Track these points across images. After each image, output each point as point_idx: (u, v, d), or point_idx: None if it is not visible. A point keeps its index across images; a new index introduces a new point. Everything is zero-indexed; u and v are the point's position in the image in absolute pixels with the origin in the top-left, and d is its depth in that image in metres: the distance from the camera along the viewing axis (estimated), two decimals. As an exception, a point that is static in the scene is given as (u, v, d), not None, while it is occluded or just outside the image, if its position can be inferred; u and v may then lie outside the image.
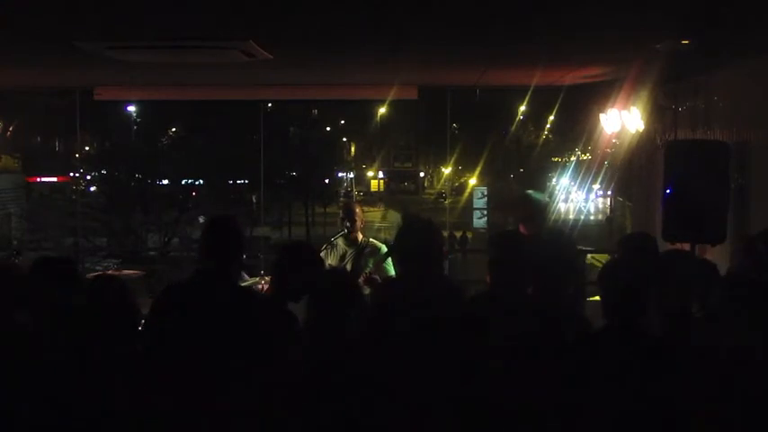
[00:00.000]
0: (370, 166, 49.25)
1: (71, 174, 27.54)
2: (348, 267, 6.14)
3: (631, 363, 3.06)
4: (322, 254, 6.27)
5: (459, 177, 40.93)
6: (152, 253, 23.22)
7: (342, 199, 35.90)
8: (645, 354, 3.11)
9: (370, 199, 47.73)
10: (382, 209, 43.03)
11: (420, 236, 3.95)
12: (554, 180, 36.80)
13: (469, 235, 29.52)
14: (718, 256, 5.88)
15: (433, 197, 45.92)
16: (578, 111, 14.27)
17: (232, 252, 3.76)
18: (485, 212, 24.65)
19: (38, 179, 30.77)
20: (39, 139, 33.01)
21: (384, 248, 6.12)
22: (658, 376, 3.04)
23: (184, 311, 3.60)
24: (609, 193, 27.37)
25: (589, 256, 9.31)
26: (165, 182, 28.17)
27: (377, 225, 32.97)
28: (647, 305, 3.24)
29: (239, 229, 3.88)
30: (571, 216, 31.99)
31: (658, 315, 3.37)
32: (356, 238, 6.29)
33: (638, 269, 3.39)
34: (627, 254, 4.35)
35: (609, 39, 5.45)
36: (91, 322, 3.24)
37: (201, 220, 24.53)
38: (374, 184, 51.76)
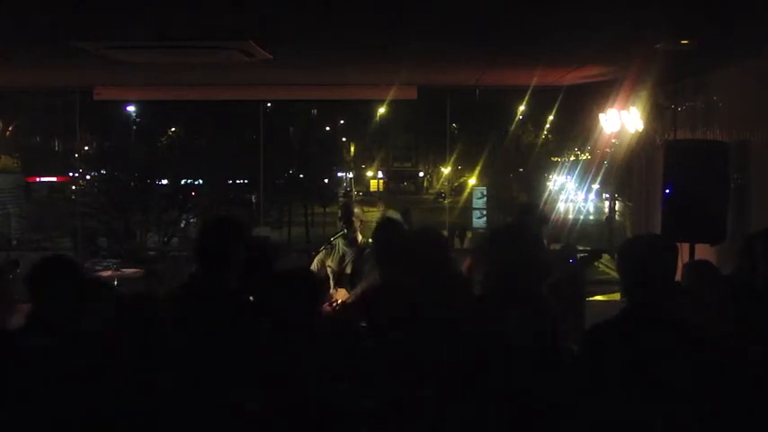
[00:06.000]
0: (369, 166, 49.19)
1: (71, 174, 27.51)
2: (348, 270, 5.99)
3: (648, 349, 2.81)
4: (320, 254, 6.21)
5: (459, 177, 40.87)
6: (152, 253, 23.20)
7: (341, 198, 35.85)
8: (663, 339, 2.83)
9: (370, 199, 47.67)
10: (381, 208, 42.95)
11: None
12: (553, 180, 36.72)
13: (468, 235, 29.51)
14: (718, 257, 5.89)
15: (432, 197, 45.90)
16: (578, 111, 14.26)
17: (225, 256, 3.58)
18: (484, 212, 24.66)
19: (37, 179, 30.75)
20: (38, 139, 32.98)
21: None
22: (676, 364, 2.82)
23: (181, 326, 3.55)
24: (607, 196, 27.33)
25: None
26: (165, 182, 28.14)
27: (377, 225, 32.79)
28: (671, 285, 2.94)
29: (237, 231, 3.68)
30: (570, 216, 31.92)
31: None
32: (356, 239, 6.08)
33: (662, 245, 3.09)
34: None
35: (609, 39, 5.45)
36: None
37: (192, 221, 24.56)
38: (374, 184, 51.66)
